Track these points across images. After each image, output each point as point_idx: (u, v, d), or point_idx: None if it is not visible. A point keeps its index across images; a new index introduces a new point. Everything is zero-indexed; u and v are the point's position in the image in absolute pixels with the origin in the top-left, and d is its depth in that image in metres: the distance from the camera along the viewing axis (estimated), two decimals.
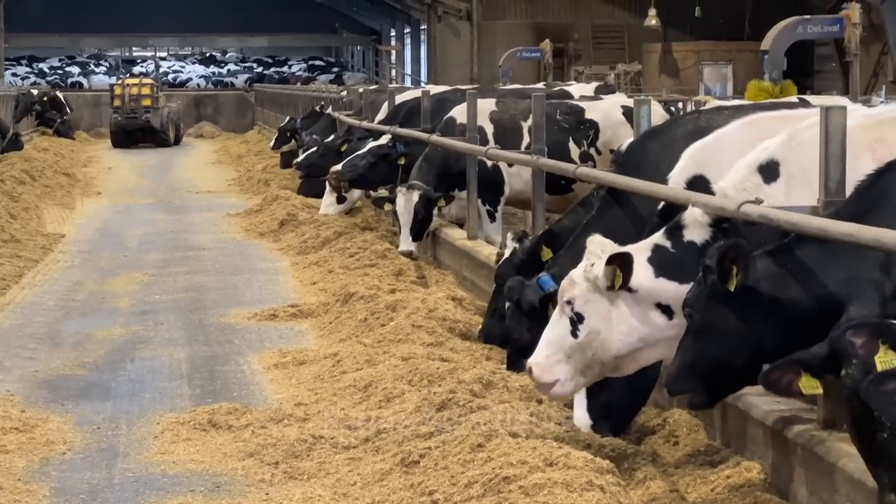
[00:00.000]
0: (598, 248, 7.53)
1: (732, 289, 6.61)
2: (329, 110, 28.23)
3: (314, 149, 22.73)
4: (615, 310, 7.40)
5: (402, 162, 16.97)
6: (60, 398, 10.17)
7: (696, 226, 7.40)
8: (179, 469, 8.24)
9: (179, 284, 15.74)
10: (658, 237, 7.54)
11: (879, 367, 4.88)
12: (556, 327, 7.53)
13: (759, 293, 6.62)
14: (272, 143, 31.24)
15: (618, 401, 8.21)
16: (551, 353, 7.50)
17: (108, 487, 7.99)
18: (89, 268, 17.30)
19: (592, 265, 7.43)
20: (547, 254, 9.96)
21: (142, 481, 8.06)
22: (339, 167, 17.89)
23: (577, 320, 7.44)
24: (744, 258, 6.59)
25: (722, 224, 7.34)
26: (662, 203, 8.27)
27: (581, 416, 8.23)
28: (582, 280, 7.45)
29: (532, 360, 7.57)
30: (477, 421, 8.01)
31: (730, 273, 6.61)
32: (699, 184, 7.96)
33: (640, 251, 7.49)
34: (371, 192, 19.41)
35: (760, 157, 7.35)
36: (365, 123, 20.82)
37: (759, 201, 7.01)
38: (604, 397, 8.15)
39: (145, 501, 7.71)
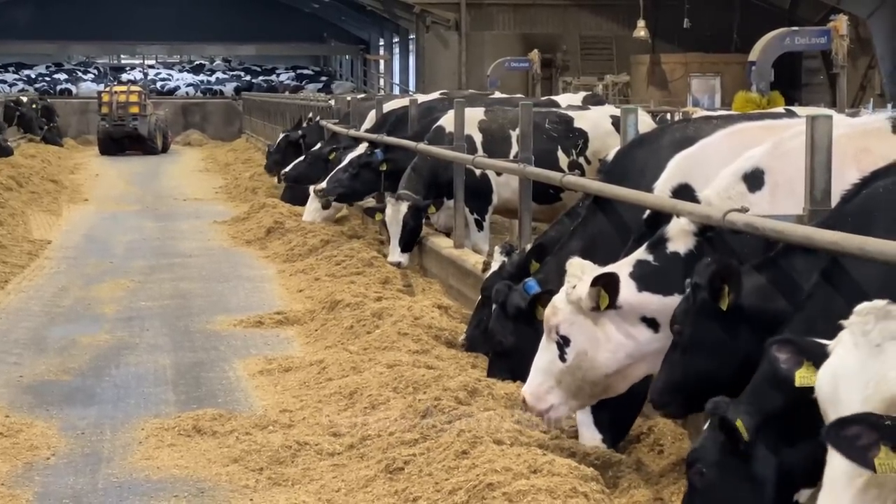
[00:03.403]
0: (578, 270, 7.54)
1: (725, 307, 6.62)
2: (318, 120, 28.18)
3: (301, 157, 22.72)
4: (600, 329, 7.42)
5: (384, 168, 16.99)
6: (45, 403, 10.15)
7: (680, 236, 7.41)
8: (163, 474, 8.23)
9: (165, 291, 15.72)
10: (639, 253, 7.56)
11: (798, 383, 4.99)
12: (545, 354, 7.56)
13: (748, 309, 6.61)
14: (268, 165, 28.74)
15: (620, 410, 8.20)
16: (542, 380, 7.53)
17: (91, 492, 7.98)
18: (75, 274, 17.27)
19: (574, 287, 7.44)
20: (535, 267, 9.95)
21: (126, 486, 8.05)
22: (323, 185, 17.87)
23: (563, 344, 7.46)
24: (736, 277, 6.58)
25: (707, 233, 7.35)
26: (648, 211, 8.28)
27: (589, 434, 8.20)
28: (565, 304, 7.47)
29: (524, 390, 7.60)
30: (461, 428, 8.00)
31: (721, 292, 6.61)
32: (685, 192, 7.96)
33: (622, 268, 7.52)
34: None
35: (745, 165, 7.37)
36: (352, 132, 20.83)
37: (744, 210, 7.02)
38: (608, 411, 8.14)
39: None
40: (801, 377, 5.01)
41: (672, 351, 6.96)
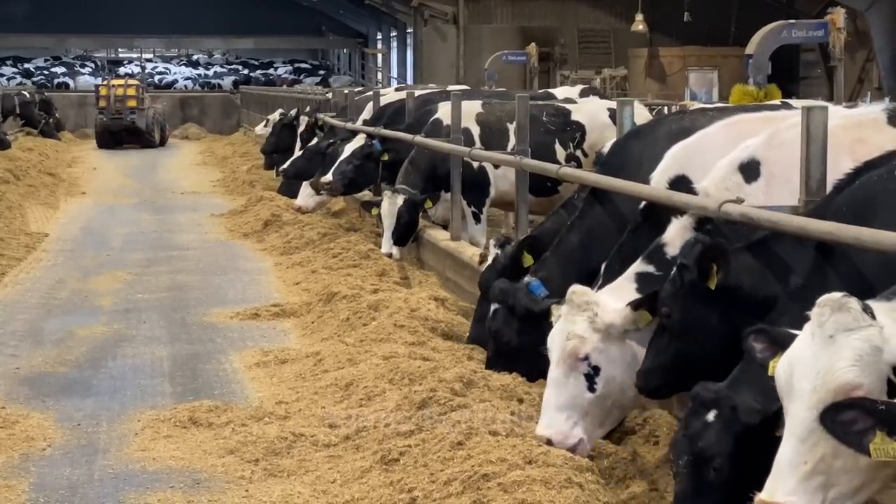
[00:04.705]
0: (591, 297, 7.41)
1: (713, 287, 6.61)
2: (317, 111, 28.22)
3: (299, 153, 22.71)
4: (625, 351, 7.38)
5: (384, 158, 16.96)
6: (41, 395, 10.15)
7: (678, 236, 7.39)
8: (159, 465, 8.23)
9: (162, 283, 15.72)
10: (637, 266, 7.53)
11: (771, 372, 5.04)
12: (568, 387, 7.40)
13: (737, 288, 6.61)
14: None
15: None
16: (567, 416, 7.40)
17: (87, 483, 7.98)
18: (72, 266, 17.27)
19: (596, 315, 7.33)
20: (528, 259, 9.92)
21: (121, 477, 8.05)
22: (329, 178, 17.82)
23: (593, 374, 7.39)
24: (724, 256, 6.59)
25: (705, 226, 7.35)
26: (644, 203, 8.28)
27: None
28: (591, 333, 7.35)
29: (549, 431, 7.38)
30: (457, 419, 8.00)
31: (710, 271, 6.60)
32: (681, 184, 7.96)
33: (625, 287, 7.47)
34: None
35: (741, 156, 7.38)
36: (349, 125, 20.83)
37: (740, 200, 7.02)
38: None
39: (125, 497, 7.70)
40: (774, 367, 5.05)
41: (658, 335, 6.94)
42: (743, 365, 6.02)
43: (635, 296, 7.39)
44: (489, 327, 9.50)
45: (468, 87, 23.54)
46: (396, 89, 25.21)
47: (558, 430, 7.38)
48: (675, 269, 6.84)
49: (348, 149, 17.91)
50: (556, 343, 7.52)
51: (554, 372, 7.48)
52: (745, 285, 6.61)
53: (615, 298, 7.49)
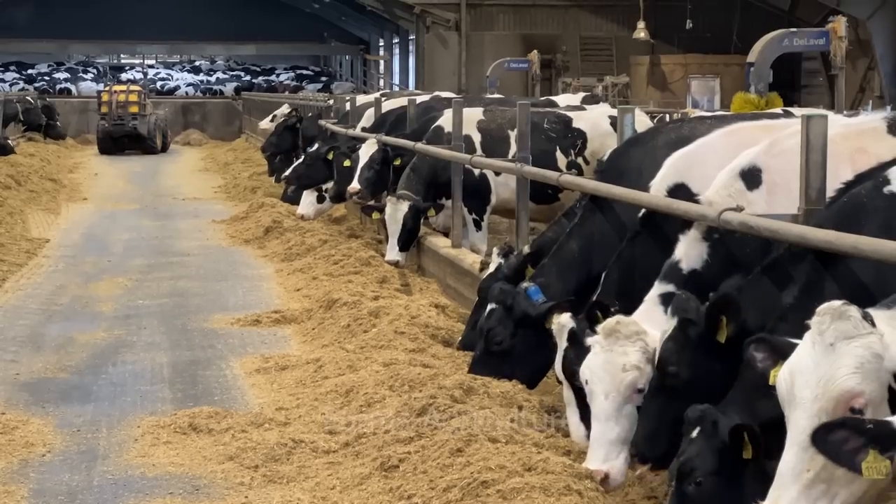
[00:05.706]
0: (636, 328, 7.19)
1: (724, 340, 6.50)
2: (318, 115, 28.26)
3: (301, 160, 22.73)
4: None
5: (397, 163, 16.92)
6: (41, 401, 10.15)
7: (689, 250, 7.34)
8: (159, 472, 8.24)
9: (163, 289, 15.72)
10: (657, 288, 7.41)
11: (771, 381, 5.05)
12: (621, 420, 7.16)
13: (747, 331, 6.40)
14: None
15: None
16: (620, 450, 7.14)
17: (86, 489, 7.99)
18: (73, 272, 17.27)
19: (647, 345, 7.11)
20: (531, 272, 9.91)
21: (121, 483, 8.06)
22: (357, 186, 17.71)
23: None
24: (734, 307, 6.45)
25: (713, 235, 7.32)
26: (644, 211, 8.28)
27: (577, 430, 8.13)
28: (646, 363, 7.12)
29: (606, 466, 7.12)
30: (457, 426, 8.00)
31: (719, 324, 6.50)
32: (681, 192, 7.96)
33: (651, 310, 7.37)
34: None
35: (742, 163, 7.37)
36: (351, 131, 20.83)
37: (740, 208, 7.01)
38: None
39: (124, 503, 7.71)
40: (775, 376, 5.05)
41: (657, 395, 6.77)
42: (740, 386, 5.98)
43: (665, 317, 7.27)
44: (482, 327, 9.47)
45: (455, 95, 23.52)
46: (382, 94, 25.31)
47: (613, 466, 7.11)
48: (673, 324, 6.69)
49: (363, 155, 17.83)
50: (600, 375, 7.18)
51: (605, 405, 7.15)
52: (752, 326, 6.41)
53: (649, 325, 7.27)
